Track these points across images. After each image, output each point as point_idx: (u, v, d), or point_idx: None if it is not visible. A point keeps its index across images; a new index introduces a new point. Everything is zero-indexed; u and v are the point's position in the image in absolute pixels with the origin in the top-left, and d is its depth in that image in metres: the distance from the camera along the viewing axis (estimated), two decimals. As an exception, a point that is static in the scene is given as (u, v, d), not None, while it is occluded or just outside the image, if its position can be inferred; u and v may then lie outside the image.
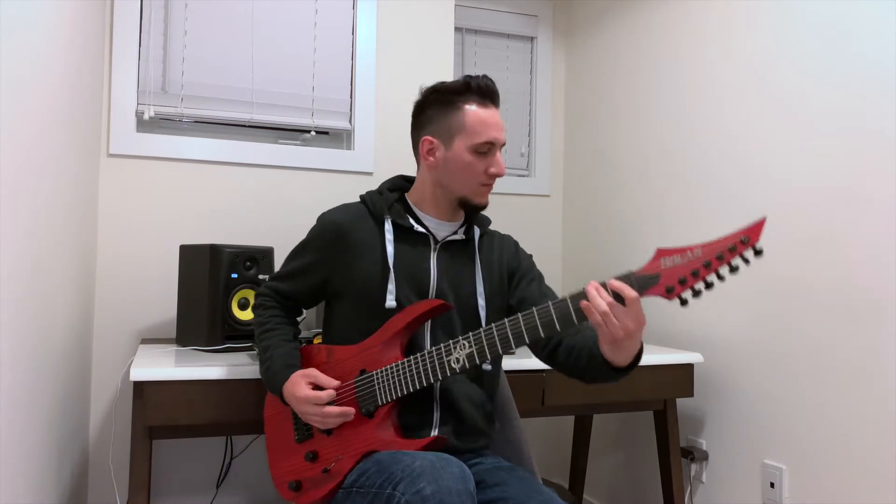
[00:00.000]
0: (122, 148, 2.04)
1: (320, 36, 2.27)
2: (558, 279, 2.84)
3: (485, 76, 1.38)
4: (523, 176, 2.83)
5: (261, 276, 1.84)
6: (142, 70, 2.09)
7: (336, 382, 1.31)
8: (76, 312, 1.71)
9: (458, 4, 2.66)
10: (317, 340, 1.58)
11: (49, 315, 1.40)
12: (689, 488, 2.11)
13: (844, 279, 1.64)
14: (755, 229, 1.03)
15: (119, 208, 2.05)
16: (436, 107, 1.39)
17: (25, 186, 1.18)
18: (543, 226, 2.82)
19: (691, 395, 1.94)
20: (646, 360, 1.87)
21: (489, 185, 1.40)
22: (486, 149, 1.36)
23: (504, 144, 1.40)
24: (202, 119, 2.17)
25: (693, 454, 2.05)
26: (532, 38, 2.85)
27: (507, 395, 1.62)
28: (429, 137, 1.39)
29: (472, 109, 1.35)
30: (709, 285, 1.07)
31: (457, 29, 2.70)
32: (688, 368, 1.94)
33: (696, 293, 1.07)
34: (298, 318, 1.53)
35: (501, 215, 2.73)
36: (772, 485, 1.81)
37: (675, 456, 1.97)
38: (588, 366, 1.26)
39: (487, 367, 1.43)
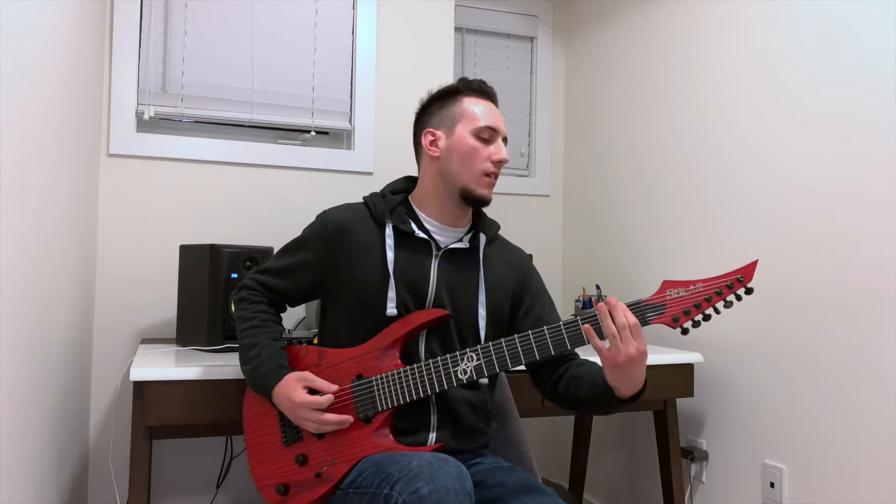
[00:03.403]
0: (122, 148, 2.05)
1: (320, 36, 2.27)
2: (558, 279, 2.84)
3: (480, 80, 1.44)
4: (523, 176, 2.83)
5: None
6: (142, 70, 2.09)
7: (335, 387, 1.28)
8: (76, 312, 1.71)
9: (458, 4, 2.66)
10: (315, 341, 1.57)
11: (49, 315, 1.40)
12: (689, 488, 2.11)
13: (844, 280, 1.64)
14: (749, 269, 1.16)
15: (119, 208, 2.05)
16: (437, 104, 1.43)
17: (26, 186, 1.18)
18: (543, 226, 2.82)
19: (691, 395, 1.94)
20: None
21: (492, 177, 1.38)
22: (488, 134, 1.37)
23: (506, 139, 1.41)
24: (202, 119, 2.18)
25: (693, 454, 2.05)
26: (532, 38, 2.85)
27: (507, 395, 1.62)
28: (431, 129, 1.41)
29: (469, 100, 1.40)
30: (707, 317, 1.17)
31: (457, 29, 2.70)
32: (688, 368, 1.94)
33: (696, 324, 1.17)
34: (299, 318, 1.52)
35: (501, 215, 2.73)
36: (772, 485, 1.81)
37: (675, 456, 1.98)
38: (589, 393, 1.30)
39: (484, 380, 1.42)
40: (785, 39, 1.82)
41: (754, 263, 1.16)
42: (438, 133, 1.40)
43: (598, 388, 1.27)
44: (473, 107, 1.39)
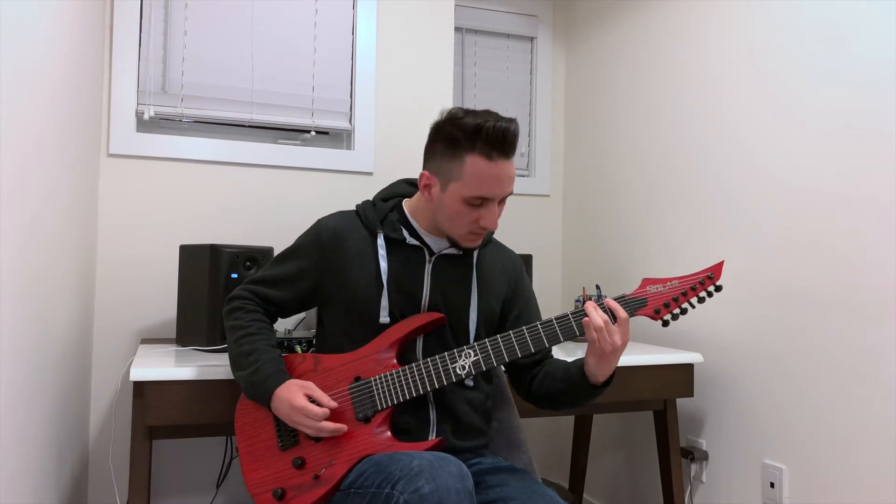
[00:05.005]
0: (122, 148, 2.05)
1: (320, 36, 2.27)
2: (558, 279, 2.84)
3: (506, 120, 1.28)
4: (523, 176, 2.83)
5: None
6: (142, 70, 2.09)
7: (334, 404, 1.28)
8: (76, 312, 1.71)
9: (458, 4, 2.66)
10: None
11: (49, 315, 1.40)
12: (689, 488, 2.11)
13: (844, 279, 1.64)
14: (717, 268, 1.29)
15: (119, 208, 2.05)
16: (443, 144, 1.32)
17: (25, 186, 1.18)
18: (543, 226, 2.82)
19: (691, 395, 1.94)
20: (646, 360, 1.88)
21: (479, 234, 1.36)
22: (479, 202, 1.31)
23: (509, 194, 1.35)
24: (202, 119, 2.18)
25: (693, 454, 2.05)
26: (532, 38, 2.85)
27: (507, 394, 1.62)
28: (427, 173, 1.35)
29: (473, 161, 1.28)
30: (683, 311, 1.29)
31: (457, 29, 2.70)
32: (688, 368, 1.94)
33: (675, 316, 1.29)
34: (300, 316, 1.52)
35: (501, 215, 2.73)
36: (772, 485, 1.81)
37: (675, 456, 1.98)
38: (564, 385, 1.36)
39: (469, 382, 1.41)
40: (785, 39, 1.82)
41: (721, 263, 1.30)
42: (434, 180, 1.34)
43: (573, 377, 1.34)
44: (474, 170, 1.27)
